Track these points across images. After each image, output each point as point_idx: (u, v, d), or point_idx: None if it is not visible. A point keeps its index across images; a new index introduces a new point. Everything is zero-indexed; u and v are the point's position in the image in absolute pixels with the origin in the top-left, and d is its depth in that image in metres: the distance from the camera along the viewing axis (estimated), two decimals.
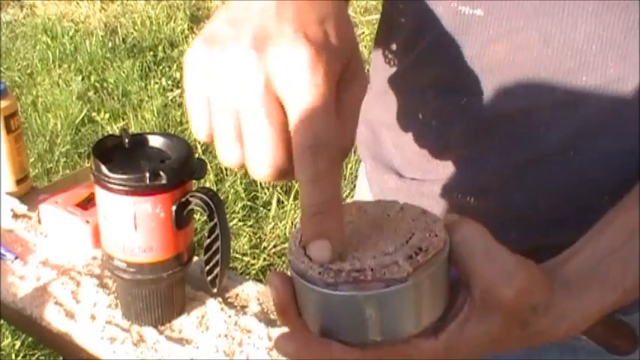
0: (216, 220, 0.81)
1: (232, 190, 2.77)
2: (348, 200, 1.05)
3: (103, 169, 0.79)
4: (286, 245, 2.55)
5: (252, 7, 0.46)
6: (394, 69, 0.79)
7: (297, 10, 0.45)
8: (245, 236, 2.57)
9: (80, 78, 3.68)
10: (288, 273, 0.49)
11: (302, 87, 0.43)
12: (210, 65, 0.46)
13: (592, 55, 0.63)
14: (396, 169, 0.84)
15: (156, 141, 0.85)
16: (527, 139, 0.69)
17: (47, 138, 3.12)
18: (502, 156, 0.71)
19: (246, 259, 2.48)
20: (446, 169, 0.76)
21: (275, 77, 0.43)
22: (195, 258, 0.93)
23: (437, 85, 0.74)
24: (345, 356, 0.47)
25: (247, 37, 0.44)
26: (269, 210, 2.71)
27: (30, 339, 2.02)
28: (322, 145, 0.43)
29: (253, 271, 2.42)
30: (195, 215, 0.90)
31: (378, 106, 0.83)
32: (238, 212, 2.68)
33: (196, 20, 4.37)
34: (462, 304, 0.49)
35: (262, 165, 0.45)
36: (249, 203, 2.75)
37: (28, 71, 3.78)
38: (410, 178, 0.82)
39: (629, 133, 0.66)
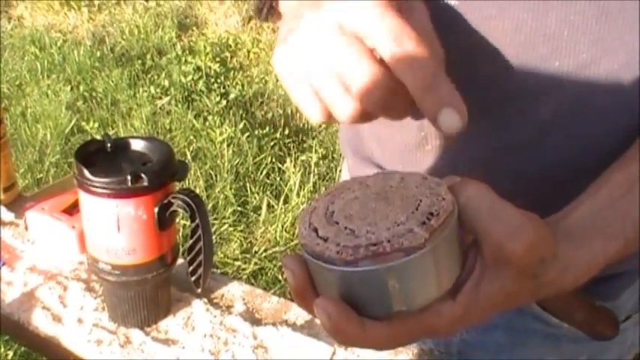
0: (198, 220, 0.82)
1: (222, 196, 2.79)
2: None
3: (86, 172, 0.80)
4: (277, 249, 2.57)
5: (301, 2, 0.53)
6: None
7: None
8: (236, 241, 2.58)
9: (69, 88, 3.69)
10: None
11: (369, 15, 0.48)
12: (293, 54, 0.50)
13: (564, 40, 0.64)
14: (377, 163, 0.85)
15: (138, 144, 0.87)
16: (504, 126, 0.70)
17: (37, 148, 3.13)
18: (480, 144, 0.72)
19: (237, 263, 2.49)
20: (426, 160, 0.77)
21: (344, 21, 0.48)
22: (180, 260, 0.95)
23: None
24: (377, 331, 0.47)
25: (306, 14, 0.50)
26: (259, 215, 2.72)
27: (23, 349, 2.03)
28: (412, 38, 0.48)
29: (244, 276, 2.44)
30: (184, 222, 0.91)
31: None
32: (229, 217, 2.70)
33: (184, 28, 4.39)
34: (472, 264, 0.49)
35: (371, 98, 0.49)
36: (239, 208, 2.76)
37: (17, 82, 3.79)
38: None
39: (604, 116, 0.67)
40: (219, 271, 2.34)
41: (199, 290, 0.89)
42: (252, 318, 0.94)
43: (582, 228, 0.55)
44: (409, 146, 0.78)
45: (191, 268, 0.87)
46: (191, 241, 0.85)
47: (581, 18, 0.63)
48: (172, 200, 0.82)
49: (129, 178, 0.79)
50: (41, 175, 2.97)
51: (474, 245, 0.49)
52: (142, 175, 0.79)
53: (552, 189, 0.71)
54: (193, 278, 0.88)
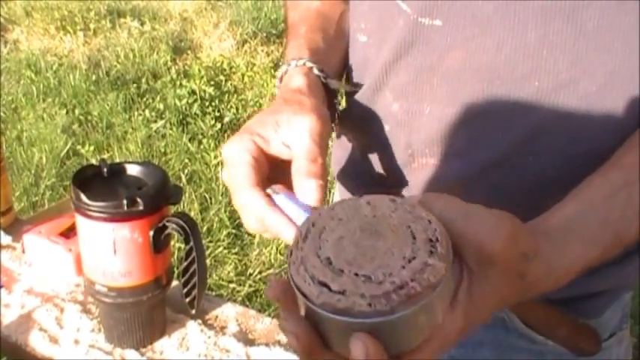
0: (192, 243, 0.84)
1: (217, 218, 2.80)
2: None
3: (83, 197, 0.82)
4: (271, 271, 2.58)
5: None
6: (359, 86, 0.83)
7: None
8: (230, 264, 2.59)
9: (64, 111, 3.71)
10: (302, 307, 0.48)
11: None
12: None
13: (543, 59, 0.66)
14: (367, 180, 0.87)
15: (133, 169, 0.89)
16: (486, 142, 0.72)
17: (32, 172, 3.14)
18: (464, 160, 0.74)
19: (232, 286, 2.50)
20: (413, 177, 0.79)
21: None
22: (175, 282, 0.96)
23: (401, 96, 0.76)
24: None
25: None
26: (254, 237, 2.73)
27: None
28: None
29: (239, 298, 2.45)
30: (179, 244, 0.92)
31: (346, 123, 0.86)
32: (223, 240, 2.71)
33: (178, 52, 4.42)
34: (459, 273, 0.51)
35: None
36: (233, 231, 2.77)
37: (13, 106, 3.80)
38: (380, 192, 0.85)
39: (584, 134, 0.69)
40: (213, 293, 2.35)
41: (194, 311, 0.90)
42: (246, 338, 0.95)
43: (563, 231, 0.57)
44: (397, 164, 0.80)
45: (186, 289, 0.89)
46: (185, 263, 0.87)
47: (559, 37, 0.65)
48: (167, 224, 0.85)
49: (125, 202, 0.81)
50: (37, 198, 2.98)
51: (455, 255, 0.50)
52: (138, 200, 0.82)
53: (534, 204, 0.73)
54: (188, 300, 0.89)
